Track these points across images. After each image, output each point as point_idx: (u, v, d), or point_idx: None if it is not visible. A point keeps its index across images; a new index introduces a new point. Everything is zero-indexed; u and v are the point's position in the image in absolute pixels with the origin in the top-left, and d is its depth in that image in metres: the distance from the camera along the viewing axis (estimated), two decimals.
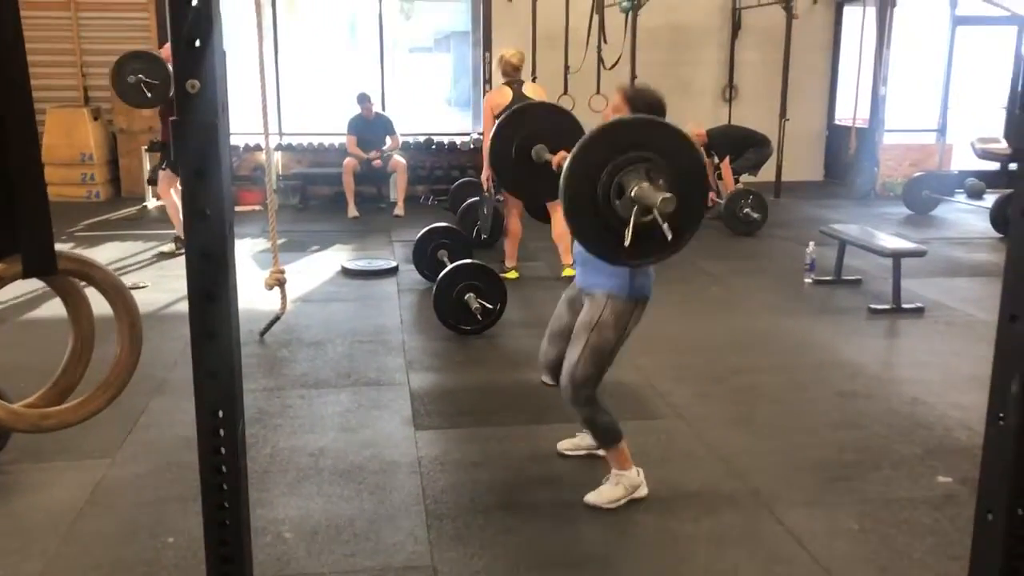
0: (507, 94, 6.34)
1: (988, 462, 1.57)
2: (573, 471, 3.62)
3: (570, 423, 3.90)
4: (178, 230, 7.37)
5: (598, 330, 3.17)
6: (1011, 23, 10.66)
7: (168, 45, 1.38)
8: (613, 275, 3.12)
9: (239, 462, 1.49)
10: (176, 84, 1.33)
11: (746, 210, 8.35)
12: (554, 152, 4.26)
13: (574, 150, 2.70)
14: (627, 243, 2.65)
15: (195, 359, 1.44)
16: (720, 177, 8.94)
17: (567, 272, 6.45)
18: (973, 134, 10.03)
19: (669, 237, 2.63)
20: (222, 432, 1.44)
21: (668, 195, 2.57)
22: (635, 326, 3.25)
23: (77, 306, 1.77)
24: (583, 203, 2.69)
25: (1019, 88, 1.52)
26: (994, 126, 10.38)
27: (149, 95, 6.57)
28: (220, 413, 1.43)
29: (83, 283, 1.75)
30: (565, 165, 2.73)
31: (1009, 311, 1.51)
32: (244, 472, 1.54)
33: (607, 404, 3.33)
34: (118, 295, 1.71)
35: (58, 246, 1.69)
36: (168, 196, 7.41)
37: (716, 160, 8.88)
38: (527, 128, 3.72)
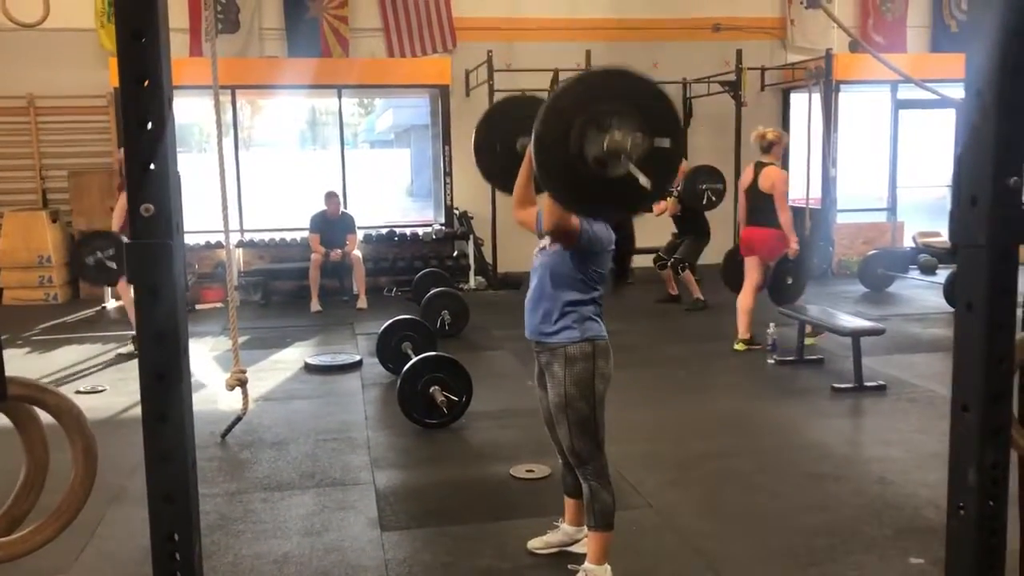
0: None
1: (952, 551, 1.58)
2: (543, 570, 3.55)
3: (540, 517, 3.85)
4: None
5: (569, 407, 3.20)
6: (948, 106, 11.11)
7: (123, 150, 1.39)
8: (561, 321, 3.18)
9: None
10: (130, 207, 1.34)
11: (706, 186, 8.59)
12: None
13: (543, 106, 2.63)
14: (647, 184, 2.54)
15: (149, 482, 1.41)
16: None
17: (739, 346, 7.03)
18: (921, 211, 10.34)
19: (648, 185, 2.56)
20: (178, 556, 1.40)
21: (639, 136, 2.51)
22: (607, 376, 3.25)
23: (30, 432, 1.73)
24: (556, 157, 2.60)
25: (958, 185, 1.57)
26: (940, 204, 10.71)
27: (113, 268, 6.70)
28: (176, 536, 1.40)
29: (36, 408, 1.72)
30: (536, 120, 2.63)
31: (961, 401, 1.54)
32: None
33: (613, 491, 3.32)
34: (73, 422, 1.68)
35: (8, 361, 1.66)
36: (127, 295, 7.36)
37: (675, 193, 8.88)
38: (509, 120, 3.69)
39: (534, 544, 3.69)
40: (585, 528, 3.49)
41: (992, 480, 1.50)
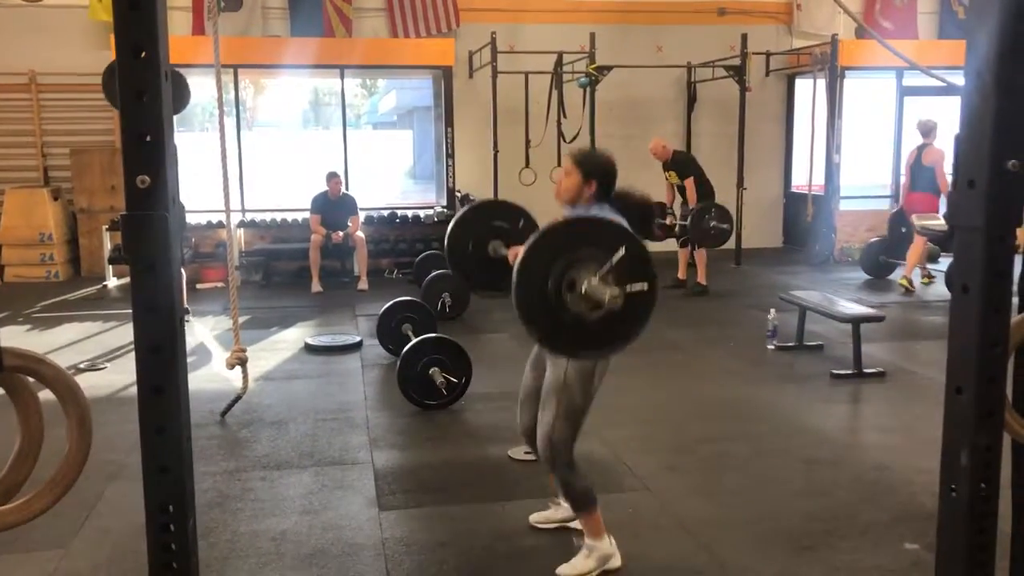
0: None
1: (943, 533, 1.58)
2: (542, 547, 3.56)
3: (536, 498, 3.87)
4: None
5: (566, 391, 3.21)
6: (955, 93, 11.05)
7: None
8: None
9: (190, 558, 1.46)
10: (126, 178, 1.34)
11: (713, 223, 8.41)
12: (508, 247, 4.31)
13: (521, 254, 2.73)
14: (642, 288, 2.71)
15: (144, 454, 1.41)
16: (685, 200, 8.96)
17: None
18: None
19: (644, 287, 2.69)
20: (172, 527, 1.41)
21: (616, 291, 2.64)
22: (603, 375, 3.28)
23: (26, 404, 1.73)
24: (535, 301, 2.72)
25: (956, 168, 1.58)
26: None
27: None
28: (170, 508, 1.41)
29: (32, 379, 1.72)
30: (515, 265, 2.75)
31: (955, 383, 1.54)
32: (196, 568, 1.50)
33: (584, 469, 3.33)
34: (68, 392, 1.69)
35: (8, 338, 1.67)
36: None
37: (678, 180, 8.89)
38: (484, 223, 3.81)
39: (535, 518, 3.73)
40: None
41: (985, 463, 1.51)
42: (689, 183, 8.81)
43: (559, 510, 3.68)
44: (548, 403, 3.27)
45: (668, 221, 9.09)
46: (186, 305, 7.50)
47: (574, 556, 3.36)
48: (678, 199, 9.07)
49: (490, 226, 3.72)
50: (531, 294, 2.70)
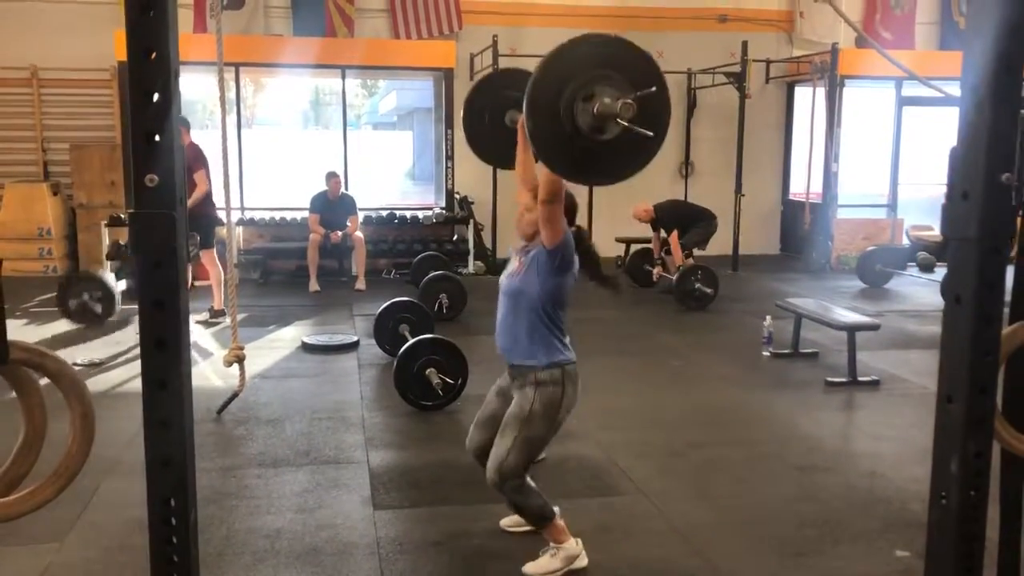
0: None
1: (933, 540, 1.61)
2: (535, 549, 3.58)
3: None
4: (216, 301, 7.76)
5: (529, 423, 3.26)
6: (953, 104, 11.10)
7: None
8: (531, 347, 3.26)
9: (191, 551, 1.48)
10: (135, 177, 1.36)
11: (698, 285, 8.46)
12: None
13: (535, 70, 2.65)
14: (648, 133, 2.58)
15: (147, 447, 1.43)
16: (668, 252, 9.09)
17: None
18: (922, 209, 10.35)
19: (649, 134, 2.59)
20: (174, 521, 1.43)
21: (628, 100, 2.53)
22: (570, 407, 3.32)
23: (29, 396, 1.75)
24: (554, 139, 2.63)
25: (951, 180, 1.60)
26: (940, 202, 10.71)
27: (99, 312, 6.85)
28: (172, 502, 1.43)
29: (36, 373, 1.74)
30: (529, 82, 2.65)
31: (946, 392, 1.56)
32: (196, 562, 1.52)
33: (533, 484, 3.36)
34: (71, 385, 1.71)
35: (11, 331, 1.69)
36: (213, 271, 7.75)
37: (664, 234, 9.04)
38: (499, 93, 3.71)
39: (506, 523, 3.76)
40: (556, 507, 3.57)
41: (975, 471, 1.53)
42: (673, 238, 8.93)
43: None
44: (506, 433, 3.30)
45: (656, 271, 9.20)
46: (221, 306, 7.68)
47: (540, 555, 3.41)
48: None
49: (506, 96, 3.62)
50: (547, 131, 2.61)
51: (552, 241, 3.16)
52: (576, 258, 3.31)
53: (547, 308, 3.27)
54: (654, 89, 2.59)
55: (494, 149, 3.73)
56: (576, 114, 2.57)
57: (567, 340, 3.35)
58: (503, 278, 3.41)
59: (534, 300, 3.26)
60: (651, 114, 2.60)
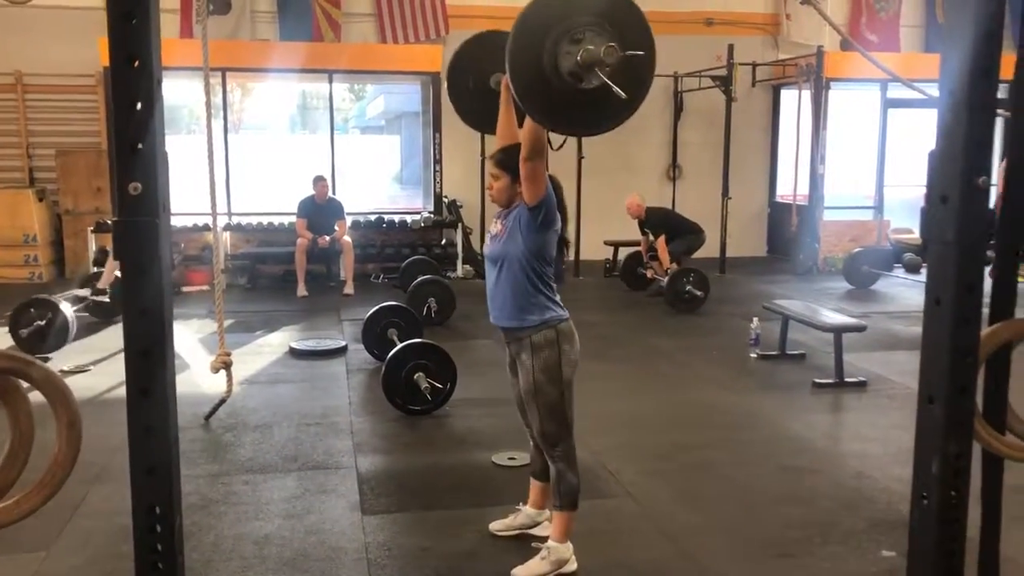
0: None
1: (915, 539, 1.62)
2: (523, 555, 3.59)
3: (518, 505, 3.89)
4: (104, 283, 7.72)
5: (539, 393, 3.28)
6: (937, 106, 11.17)
7: None
8: (522, 308, 3.26)
9: (176, 559, 1.48)
10: (119, 185, 1.36)
11: (688, 287, 8.49)
12: None
13: (516, 22, 2.62)
14: (622, 95, 2.56)
15: (132, 454, 1.43)
16: (654, 257, 9.15)
17: None
18: (908, 210, 10.41)
19: (623, 95, 2.56)
20: (159, 528, 1.43)
21: (612, 44, 2.51)
22: (573, 361, 3.31)
23: (15, 405, 1.75)
24: (531, 73, 2.61)
25: (930, 184, 1.62)
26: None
27: (48, 341, 6.65)
28: (157, 509, 1.43)
29: (22, 381, 1.74)
30: (509, 38, 2.64)
31: (927, 393, 1.58)
32: (182, 569, 1.52)
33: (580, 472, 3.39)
34: (58, 394, 1.70)
35: None
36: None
37: (651, 238, 9.10)
38: (484, 57, 3.70)
39: (495, 526, 3.76)
40: (546, 511, 3.61)
41: (955, 471, 1.55)
42: (660, 243, 8.99)
43: (518, 516, 3.73)
44: (530, 407, 3.34)
45: (649, 274, 9.26)
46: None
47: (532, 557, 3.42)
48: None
49: (489, 59, 3.60)
50: (527, 63, 2.59)
51: (535, 197, 3.14)
52: (559, 215, 3.29)
53: (533, 265, 3.25)
54: (641, 53, 2.59)
55: (479, 111, 3.73)
56: (559, 55, 2.56)
57: (557, 297, 3.34)
58: (486, 245, 3.42)
59: (520, 259, 3.24)
60: (634, 77, 2.61)
